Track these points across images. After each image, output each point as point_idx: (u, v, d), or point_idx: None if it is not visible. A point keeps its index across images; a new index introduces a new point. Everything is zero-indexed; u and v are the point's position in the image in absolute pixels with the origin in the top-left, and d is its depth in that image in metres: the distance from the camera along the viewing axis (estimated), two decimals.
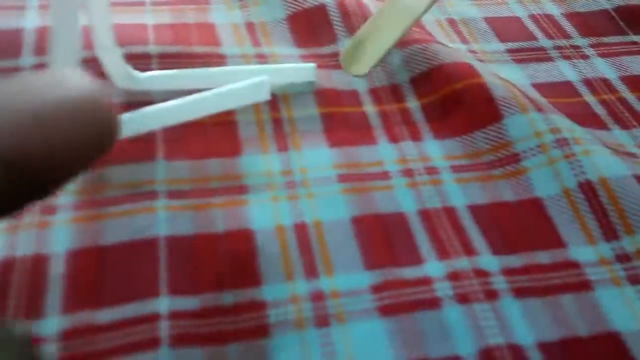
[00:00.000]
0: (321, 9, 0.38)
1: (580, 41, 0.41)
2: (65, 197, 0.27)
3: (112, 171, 0.28)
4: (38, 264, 0.24)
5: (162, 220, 0.26)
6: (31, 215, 0.26)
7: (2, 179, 0.09)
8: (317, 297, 0.25)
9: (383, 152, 0.31)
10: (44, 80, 0.09)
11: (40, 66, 0.32)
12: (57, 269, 0.24)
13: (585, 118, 0.35)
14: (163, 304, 0.24)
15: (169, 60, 0.34)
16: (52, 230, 0.25)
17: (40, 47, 0.34)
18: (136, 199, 0.27)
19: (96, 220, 0.26)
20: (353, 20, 0.38)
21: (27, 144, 0.09)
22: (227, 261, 0.25)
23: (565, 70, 0.38)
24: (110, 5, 0.37)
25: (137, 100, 0.32)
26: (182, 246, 0.26)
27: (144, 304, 0.24)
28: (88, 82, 0.10)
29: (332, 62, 0.36)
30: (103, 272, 0.24)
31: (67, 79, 0.09)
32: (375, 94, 0.34)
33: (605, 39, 0.41)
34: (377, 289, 0.25)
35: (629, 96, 0.37)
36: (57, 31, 0.26)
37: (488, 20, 0.42)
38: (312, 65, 0.34)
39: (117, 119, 0.10)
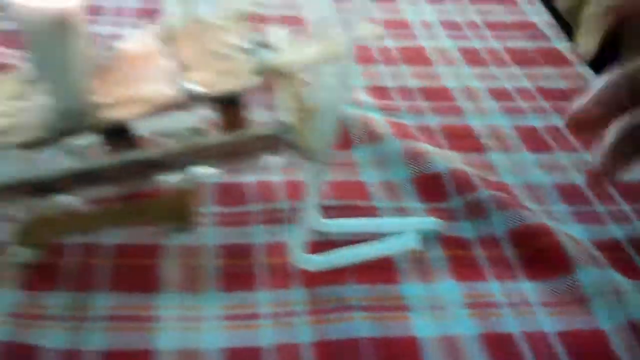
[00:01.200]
0: (437, 175, 0.53)
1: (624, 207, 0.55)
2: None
3: (322, 291, 0.42)
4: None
5: (365, 326, 0.40)
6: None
7: None
8: None
9: (492, 287, 0.45)
10: None
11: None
12: None
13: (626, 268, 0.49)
14: None
15: (341, 211, 0.49)
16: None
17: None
18: (337, 310, 0.41)
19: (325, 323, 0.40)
20: (459, 183, 0.52)
21: None
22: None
23: (612, 230, 0.52)
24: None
25: (325, 239, 0.46)
26: (377, 345, 0.39)
27: None
28: None
29: (448, 215, 0.51)
30: None
31: None
32: (482, 242, 0.49)
33: None
34: None
35: None
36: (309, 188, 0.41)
37: (556, 185, 0.56)
38: (435, 220, 0.49)
39: None
